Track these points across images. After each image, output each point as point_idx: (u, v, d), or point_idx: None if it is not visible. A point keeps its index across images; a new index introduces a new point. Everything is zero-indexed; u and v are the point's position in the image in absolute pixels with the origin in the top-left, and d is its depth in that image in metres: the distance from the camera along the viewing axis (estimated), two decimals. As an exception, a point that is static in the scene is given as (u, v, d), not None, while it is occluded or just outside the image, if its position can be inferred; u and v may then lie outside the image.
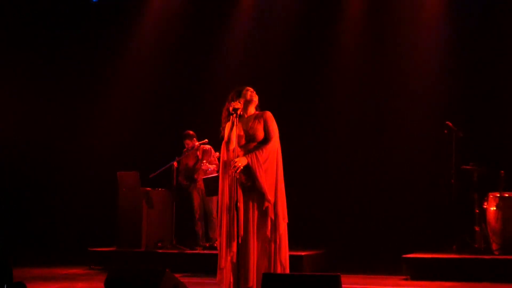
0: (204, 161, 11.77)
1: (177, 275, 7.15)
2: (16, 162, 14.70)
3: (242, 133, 6.99)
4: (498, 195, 9.98)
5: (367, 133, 12.88)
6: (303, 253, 10.49)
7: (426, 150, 12.23)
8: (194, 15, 14.31)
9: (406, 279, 9.76)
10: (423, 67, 12.75)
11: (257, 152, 6.87)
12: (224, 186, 6.96)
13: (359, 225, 12.54)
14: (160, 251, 11.62)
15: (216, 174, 10.77)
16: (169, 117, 14.13)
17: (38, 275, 10.76)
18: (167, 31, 14.49)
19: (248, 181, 6.86)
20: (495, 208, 9.94)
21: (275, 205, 6.87)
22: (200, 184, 11.76)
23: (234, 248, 6.70)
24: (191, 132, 12.07)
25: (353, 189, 12.74)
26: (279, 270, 6.82)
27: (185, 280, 7.60)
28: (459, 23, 12.46)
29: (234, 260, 6.74)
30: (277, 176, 6.95)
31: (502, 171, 10.09)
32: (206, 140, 11.79)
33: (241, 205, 6.77)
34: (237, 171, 6.73)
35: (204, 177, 11.54)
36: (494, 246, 9.92)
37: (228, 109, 7.01)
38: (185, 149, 12.06)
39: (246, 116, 7.13)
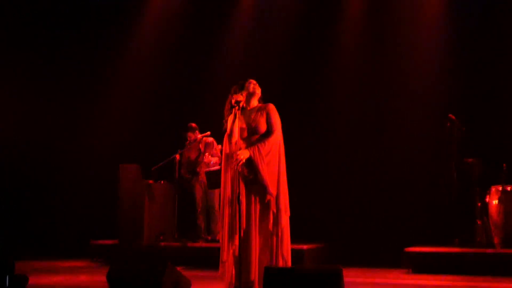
0: (206, 154, 11.78)
1: (179, 268, 7.16)
2: (16, 162, 14.69)
3: (244, 125, 6.99)
4: (500, 188, 9.98)
5: (367, 133, 12.88)
6: (304, 247, 10.52)
7: (426, 150, 12.22)
8: (194, 15, 14.33)
9: (407, 273, 9.79)
10: (423, 67, 12.76)
11: (259, 145, 6.87)
12: (226, 179, 6.97)
13: (361, 218, 12.51)
14: (162, 244, 11.62)
15: (218, 167, 10.78)
16: (169, 117, 14.13)
17: (41, 268, 10.80)
18: (167, 31, 14.51)
19: (250, 174, 6.86)
20: (497, 202, 9.94)
21: (277, 198, 6.87)
22: (202, 177, 11.76)
23: (236, 241, 6.71)
24: (193, 124, 12.08)
25: (355, 181, 12.71)
26: (281, 264, 6.82)
27: (187, 273, 7.60)
28: (459, 23, 12.47)
29: (236, 253, 6.74)
30: (280, 169, 6.95)
31: (504, 164, 10.10)
32: (209, 132, 11.78)
33: (243, 198, 6.78)
34: (239, 164, 6.73)
35: (206, 170, 11.55)
36: (496, 240, 9.93)
37: (230, 102, 7.01)
38: (187, 142, 12.06)
39: (248, 108, 7.14)
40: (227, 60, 14.09)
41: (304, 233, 10.86)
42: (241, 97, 6.96)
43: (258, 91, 7.21)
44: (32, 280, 9.18)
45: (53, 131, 14.73)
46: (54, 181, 14.66)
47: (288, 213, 6.96)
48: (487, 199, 10.20)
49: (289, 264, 6.93)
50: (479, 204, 10.28)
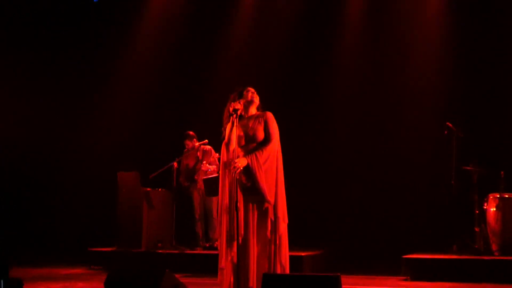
0: (204, 161, 11.78)
1: (177, 276, 7.15)
2: (16, 162, 14.69)
3: (242, 133, 6.99)
4: (498, 196, 9.99)
5: (367, 133, 12.90)
6: (303, 254, 10.49)
7: (426, 150, 12.24)
8: (194, 15, 14.31)
9: (406, 280, 9.76)
10: (423, 67, 12.75)
11: (257, 153, 6.86)
12: (224, 187, 6.96)
13: (359, 225, 12.55)
14: (160, 251, 11.62)
15: (216, 175, 10.77)
16: (169, 117, 14.13)
17: (38, 275, 10.77)
18: (167, 31, 14.51)
19: (248, 182, 6.86)
20: (495, 209, 9.95)
21: (275, 206, 6.87)
22: (201, 185, 11.76)
23: (235, 249, 6.70)
24: (191, 132, 12.08)
25: (353, 189, 12.74)
26: (279, 271, 6.82)
27: (185, 280, 7.62)
28: (459, 23, 12.45)
29: (235, 261, 6.74)
30: (277, 177, 6.95)
31: (502, 172, 10.10)
32: (206, 140, 11.80)
33: (241, 205, 6.77)
34: (237, 172, 6.73)
35: (204, 177, 11.55)
36: (494, 247, 9.93)
37: (228, 110, 7.01)
38: (185, 150, 12.07)
39: (246, 116, 7.13)
40: (227, 60, 14.09)
41: (302, 240, 10.89)
42: (239, 105, 6.96)
43: (257, 99, 7.20)
44: (29, 287, 9.22)
45: (53, 131, 14.73)
46: (54, 181, 14.67)
47: (286, 221, 6.96)
48: (485, 207, 10.19)
49: (287, 271, 6.94)
50: (477, 211, 10.27)
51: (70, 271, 11.41)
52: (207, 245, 11.73)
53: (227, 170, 6.93)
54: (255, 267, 6.81)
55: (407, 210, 12.15)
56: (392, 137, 12.66)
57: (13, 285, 7.19)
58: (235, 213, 6.64)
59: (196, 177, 11.93)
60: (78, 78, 14.81)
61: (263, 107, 7.26)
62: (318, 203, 12.80)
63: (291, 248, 7.12)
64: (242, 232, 6.76)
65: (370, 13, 13.25)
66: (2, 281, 6.92)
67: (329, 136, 13.16)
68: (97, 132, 14.57)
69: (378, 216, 12.44)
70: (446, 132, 10.58)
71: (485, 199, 10.19)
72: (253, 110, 7.19)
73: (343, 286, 6.10)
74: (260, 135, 6.98)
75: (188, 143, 12.03)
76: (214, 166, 11.61)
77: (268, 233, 6.84)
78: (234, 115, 6.87)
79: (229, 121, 6.98)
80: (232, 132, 6.89)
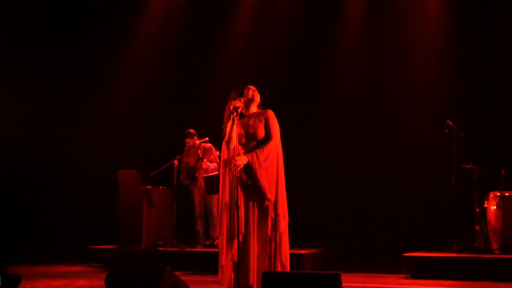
0: (205, 159, 11.79)
1: (177, 273, 7.16)
2: (16, 162, 14.69)
3: (243, 131, 6.99)
4: (499, 194, 10.00)
5: (367, 133, 12.91)
6: (303, 252, 10.51)
7: (426, 150, 12.25)
8: (194, 15, 14.33)
9: (406, 278, 9.76)
10: (423, 67, 12.76)
11: (257, 151, 6.86)
12: (224, 185, 6.96)
13: (359, 224, 12.56)
14: (161, 249, 11.62)
15: (216, 173, 10.79)
16: (169, 117, 14.13)
17: (39, 273, 10.78)
18: (167, 31, 14.52)
19: (249, 180, 6.86)
20: (495, 207, 9.96)
21: (275, 204, 6.86)
22: (201, 183, 11.78)
23: (235, 246, 6.70)
24: (192, 130, 12.09)
25: (353, 188, 12.75)
26: (279, 269, 6.82)
27: (185, 278, 7.60)
28: (459, 23, 12.46)
29: (235, 259, 6.74)
30: (278, 175, 6.94)
31: (503, 170, 10.12)
32: (207, 138, 11.81)
33: (241, 203, 6.77)
34: (237, 170, 6.73)
35: (205, 175, 11.56)
36: (494, 245, 9.94)
37: (229, 108, 7.01)
38: (186, 148, 12.08)
39: (247, 114, 7.13)
40: (227, 60, 14.10)
41: (302, 240, 10.89)
42: (239, 103, 6.96)
43: (257, 97, 7.20)
44: (30, 284, 9.24)
45: (53, 131, 14.73)
46: (54, 181, 14.67)
47: (287, 219, 6.95)
48: (485, 205, 10.21)
49: (288, 269, 6.93)
50: (478, 209, 10.27)
51: (70, 269, 11.42)
52: (208, 243, 11.74)
53: (227, 168, 6.92)
54: (256, 265, 6.81)
55: (407, 209, 12.16)
56: (392, 137, 12.66)
57: (12, 280, 7.20)
58: (236, 211, 6.64)
59: (196, 175, 11.95)
60: (78, 78, 14.81)
61: (263, 106, 7.26)
62: (318, 203, 12.81)
63: (291, 246, 7.11)
64: (243, 230, 6.76)
65: (370, 13, 13.26)
66: (0, 277, 6.94)
67: (329, 136, 13.17)
68: (97, 132, 14.57)
69: (378, 214, 12.45)
70: (446, 130, 10.57)
71: (486, 198, 10.20)
72: (254, 108, 7.18)
73: (343, 284, 6.10)
74: (261, 133, 6.97)
75: (189, 141, 12.04)
76: (215, 164, 11.61)
77: (269, 231, 6.83)
78: (235, 113, 6.87)
79: (229, 119, 6.98)
80: (233, 130, 6.90)
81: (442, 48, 12.66)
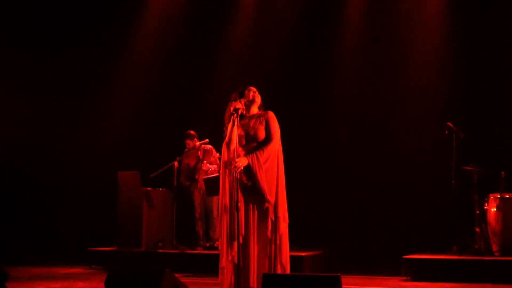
0: (205, 161, 11.78)
1: (177, 275, 7.15)
2: (16, 162, 14.69)
3: (243, 133, 6.98)
4: (499, 196, 9.99)
5: (367, 133, 12.90)
6: (303, 254, 10.48)
7: (426, 150, 12.24)
8: (194, 15, 14.32)
9: (406, 280, 9.74)
10: (423, 67, 12.76)
11: (257, 153, 6.86)
12: (224, 186, 6.95)
13: (359, 225, 12.56)
14: (161, 251, 11.62)
15: (217, 174, 10.78)
16: (169, 117, 14.12)
17: (38, 275, 10.77)
18: (167, 31, 14.51)
19: (249, 181, 6.86)
20: (495, 209, 9.95)
21: (275, 205, 6.86)
22: (201, 184, 11.77)
23: (235, 248, 6.70)
24: (192, 132, 12.08)
25: (353, 189, 12.75)
26: (279, 271, 6.82)
27: (185, 280, 7.61)
28: (459, 23, 12.46)
29: (235, 261, 6.73)
30: (278, 176, 6.94)
31: (503, 172, 10.10)
32: (207, 140, 11.80)
33: (241, 205, 6.77)
34: (238, 171, 6.73)
35: (205, 177, 11.55)
36: (495, 247, 9.92)
37: (230, 109, 7.00)
38: (186, 149, 12.07)
39: (248, 116, 7.13)
40: (227, 60, 14.09)
41: (302, 240, 10.88)
42: (240, 105, 6.96)
43: (258, 99, 7.19)
44: (29, 286, 9.23)
45: (53, 131, 14.72)
46: (54, 181, 14.66)
47: (287, 221, 6.95)
48: (485, 207, 10.20)
49: (288, 271, 6.93)
50: (478, 211, 10.26)
51: (70, 271, 11.40)
52: (208, 244, 11.73)
53: (227, 170, 6.92)
54: (256, 267, 6.81)
55: (407, 210, 12.16)
56: (392, 137, 12.66)
57: None
58: (236, 212, 6.63)
59: (196, 177, 11.94)
60: (78, 78, 14.80)
61: (264, 106, 7.26)
62: (318, 203, 12.80)
63: (291, 248, 7.11)
64: (243, 231, 6.76)
65: (370, 13, 13.26)
66: None
67: (329, 136, 13.16)
68: (97, 132, 14.56)
69: (378, 216, 12.44)
70: (446, 132, 10.57)
71: (486, 199, 10.19)
72: (254, 110, 7.18)
73: (343, 286, 6.10)
74: (261, 135, 6.97)
75: (189, 143, 12.03)
76: (215, 166, 11.61)
77: (269, 233, 6.83)
78: (235, 115, 6.87)
79: (230, 121, 6.98)
80: (233, 131, 6.89)
81: (442, 48, 12.66)
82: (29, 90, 14.71)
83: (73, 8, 14.91)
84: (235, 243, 6.70)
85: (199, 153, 12.02)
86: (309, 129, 13.25)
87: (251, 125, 7.03)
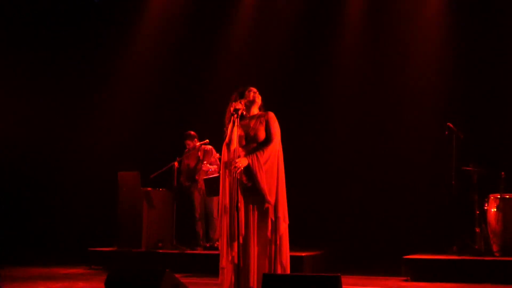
0: (205, 161, 11.79)
1: (177, 276, 7.15)
2: (16, 162, 14.69)
3: (243, 133, 6.98)
4: (499, 196, 9.98)
5: (367, 133, 12.90)
6: (303, 254, 10.47)
7: (426, 150, 12.24)
8: (194, 15, 14.32)
9: (406, 280, 9.73)
10: (423, 67, 12.75)
11: (258, 153, 6.86)
12: (224, 187, 6.95)
13: (359, 225, 12.56)
14: (161, 251, 11.61)
15: (217, 175, 10.78)
16: (169, 117, 14.12)
17: (38, 275, 10.77)
18: (167, 31, 14.51)
19: (249, 182, 6.86)
20: (495, 210, 9.95)
21: (275, 206, 6.86)
22: (201, 185, 11.77)
23: (235, 248, 6.70)
24: (192, 132, 12.08)
25: (353, 189, 12.75)
26: (279, 271, 6.82)
27: (185, 280, 7.61)
28: (459, 23, 12.45)
29: (235, 261, 6.74)
30: (278, 177, 6.95)
31: (503, 172, 10.10)
32: (207, 140, 11.80)
33: (241, 205, 6.77)
34: (238, 172, 6.73)
35: (205, 177, 11.55)
36: (495, 248, 9.92)
37: (230, 110, 7.00)
38: (186, 150, 12.07)
39: (248, 116, 7.13)
40: (227, 60, 14.09)
41: (302, 240, 10.88)
42: (240, 105, 6.96)
43: (258, 99, 7.19)
44: (29, 286, 9.23)
45: (53, 131, 14.73)
46: (54, 181, 14.67)
47: (287, 221, 6.95)
48: (485, 207, 10.19)
49: (288, 271, 6.93)
50: (478, 211, 10.26)
51: (70, 271, 11.40)
52: (208, 245, 11.73)
53: (227, 170, 6.92)
54: (256, 267, 6.81)
55: (407, 210, 12.15)
56: (392, 137, 12.66)
57: None
58: (236, 213, 6.63)
59: (197, 177, 11.94)
60: (78, 78, 14.81)
61: (264, 106, 7.25)
62: (318, 203, 12.80)
63: (291, 248, 7.11)
64: (243, 232, 6.76)
65: (370, 13, 13.25)
66: None
67: (329, 136, 13.16)
68: (97, 132, 14.57)
69: (378, 216, 12.44)
70: (446, 132, 10.57)
71: (486, 200, 10.19)
72: (255, 110, 7.18)
73: (343, 287, 6.09)
74: (261, 135, 6.97)
75: (189, 143, 12.03)
76: (215, 166, 11.61)
77: (269, 233, 6.83)
78: (235, 115, 6.87)
79: (230, 121, 6.98)
80: (233, 132, 6.89)
81: (442, 48, 12.65)
82: (29, 90, 14.70)
83: (73, 8, 14.93)
84: (235, 243, 6.70)
85: (199, 153, 12.02)
86: (309, 129, 13.25)
87: (251, 125, 7.03)
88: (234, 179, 6.74)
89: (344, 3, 13.49)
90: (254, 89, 7.20)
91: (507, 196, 9.96)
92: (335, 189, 12.78)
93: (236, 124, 6.86)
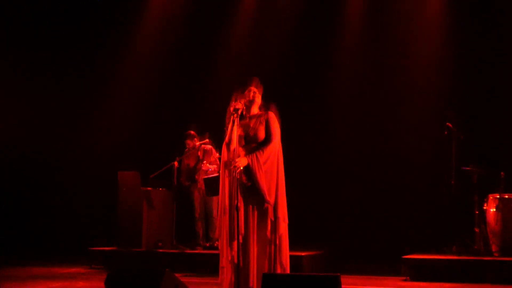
0: (205, 161, 11.79)
1: (177, 275, 7.15)
2: (16, 162, 14.69)
3: (243, 133, 6.98)
4: (498, 196, 9.99)
5: (367, 133, 12.90)
6: (303, 254, 10.48)
7: (426, 150, 12.24)
8: (194, 15, 14.31)
9: (405, 280, 9.74)
10: (423, 67, 12.75)
11: (257, 153, 6.86)
12: (224, 187, 6.95)
13: (359, 225, 12.55)
14: (161, 250, 11.62)
15: (217, 174, 10.78)
16: (169, 117, 14.11)
17: (39, 274, 10.77)
18: (167, 31, 14.51)
19: (248, 182, 6.86)
20: (495, 210, 9.95)
21: (275, 206, 6.86)
22: (201, 184, 11.77)
23: (235, 248, 6.70)
24: (192, 132, 12.08)
25: (353, 189, 12.74)
26: (279, 271, 6.82)
27: (185, 280, 7.60)
28: (459, 23, 12.45)
29: (235, 260, 6.74)
30: (278, 177, 6.94)
31: (502, 173, 10.10)
32: (207, 140, 11.81)
33: (241, 205, 6.76)
34: (237, 172, 6.73)
35: (205, 177, 11.56)
36: (494, 248, 9.94)
37: (230, 110, 7.00)
38: (186, 149, 12.07)
39: (248, 116, 7.12)
40: (227, 60, 14.08)
41: (302, 240, 10.88)
42: (239, 105, 6.96)
43: (258, 99, 7.18)
44: (29, 286, 9.23)
45: (53, 131, 14.73)
46: (54, 181, 14.66)
47: (286, 221, 6.95)
48: (485, 207, 10.20)
49: (288, 271, 6.93)
50: (477, 212, 10.27)
51: (71, 270, 11.40)
52: (208, 244, 11.73)
53: (227, 170, 6.92)
54: (255, 267, 6.81)
55: (407, 210, 12.15)
56: (392, 137, 12.66)
57: None
58: (235, 212, 6.63)
59: (196, 177, 11.94)
60: (78, 78, 14.80)
61: (264, 106, 7.24)
62: (318, 203, 12.80)
63: (291, 248, 7.11)
64: (243, 231, 6.76)
65: (370, 13, 13.25)
66: None
67: (329, 136, 13.16)
68: (97, 132, 14.56)
69: (378, 216, 12.44)
70: (446, 133, 10.58)
71: (485, 200, 10.20)
72: (255, 110, 7.17)
73: (343, 286, 6.09)
74: (261, 135, 6.97)
75: (189, 143, 12.04)
76: (215, 166, 11.61)
77: (268, 233, 6.83)
78: (235, 115, 6.87)
79: (230, 121, 6.97)
80: (233, 131, 6.89)
81: (442, 48, 12.64)
82: (29, 90, 14.72)
83: (73, 8, 14.91)
84: (235, 243, 6.70)
85: (199, 153, 12.02)
86: (309, 129, 13.24)
87: (251, 125, 7.03)
88: (234, 178, 6.73)
89: (344, 3, 13.49)
90: (254, 89, 7.18)
91: (507, 196, 9.97)
92: (335, 189, 12.77)
93: (236, 123, 6.86)
